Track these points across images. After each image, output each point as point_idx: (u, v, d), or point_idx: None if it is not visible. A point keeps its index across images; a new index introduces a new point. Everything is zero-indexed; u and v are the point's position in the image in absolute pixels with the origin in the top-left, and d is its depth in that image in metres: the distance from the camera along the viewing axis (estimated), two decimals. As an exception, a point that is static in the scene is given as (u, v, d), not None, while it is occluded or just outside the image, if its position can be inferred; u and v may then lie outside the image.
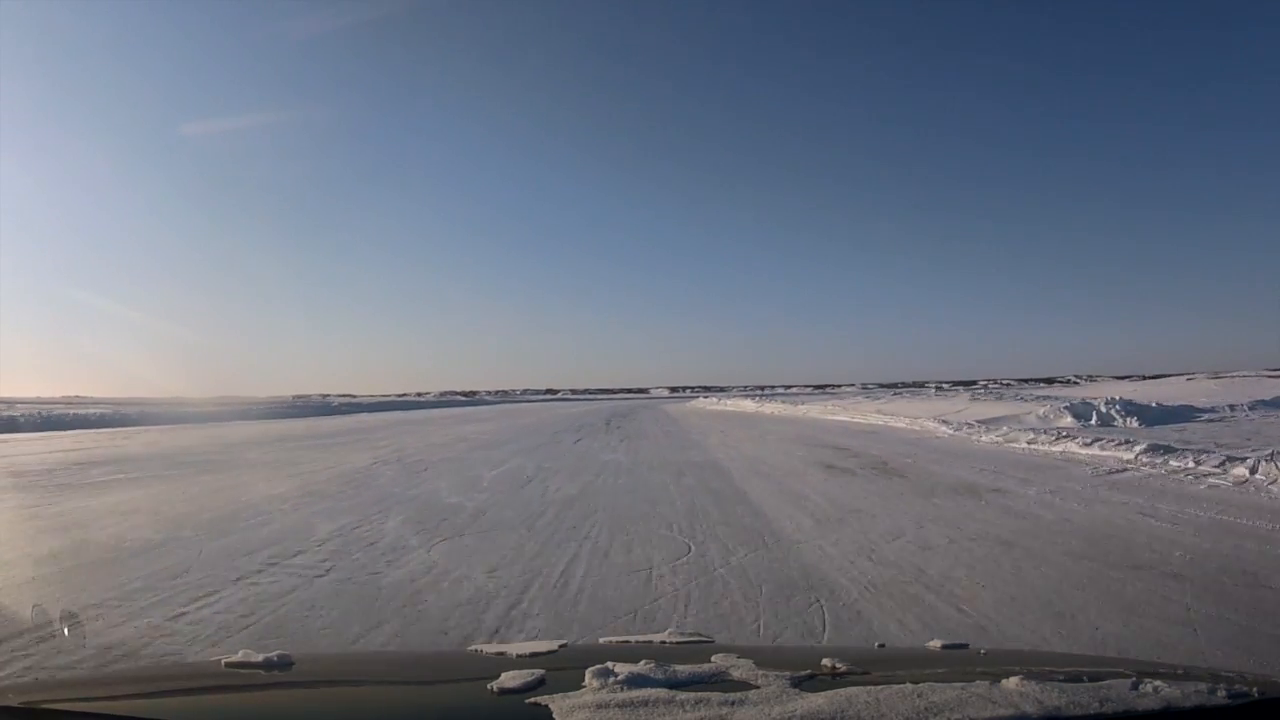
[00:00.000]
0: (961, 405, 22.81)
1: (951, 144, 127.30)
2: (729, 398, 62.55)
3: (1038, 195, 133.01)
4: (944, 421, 18.04)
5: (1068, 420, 18.23)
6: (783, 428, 19.64)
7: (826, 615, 3.41)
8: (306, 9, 78.59)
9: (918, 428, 18.08)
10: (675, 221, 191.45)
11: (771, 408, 36.58)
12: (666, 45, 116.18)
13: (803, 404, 34.50)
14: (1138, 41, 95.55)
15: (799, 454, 11.41)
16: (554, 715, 0.85)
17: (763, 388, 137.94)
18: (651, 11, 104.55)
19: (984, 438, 13.87)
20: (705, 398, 70.22)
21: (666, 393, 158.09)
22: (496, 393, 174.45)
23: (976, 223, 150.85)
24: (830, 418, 25.62)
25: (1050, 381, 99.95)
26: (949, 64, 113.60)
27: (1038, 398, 26.15)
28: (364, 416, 34.26)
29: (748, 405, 41.91)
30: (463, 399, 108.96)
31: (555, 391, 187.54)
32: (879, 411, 24.81)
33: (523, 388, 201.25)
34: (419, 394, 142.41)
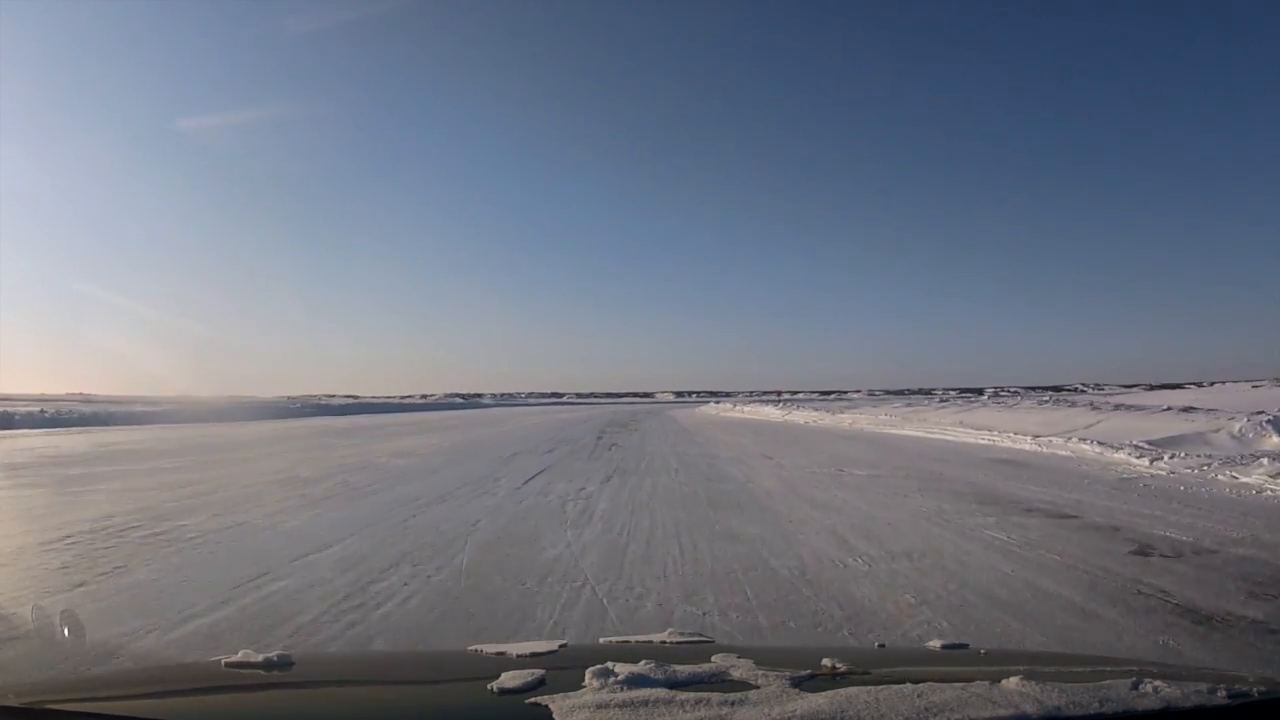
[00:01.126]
0: (1086, 419, 16.61)
1: (958, 148, 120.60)
2: (739, 403, 56.52)
3: (1042, 202, 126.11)
4: (1103, 444, 11.95)
5: (1274, 440, 12.57)
6: (855, 451, 13.35)
7: None
8: (313, 2, 73.43)
9: (1069, 452, 11.94)
10: (682, 225, 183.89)
11: (802, 416, 30.35)
12: (676, 46, 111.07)
13: (845, 413, 28.13)
14: (1158, 44, 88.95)
15: (999, 539, 5.14)
16: (554, 715, 0.83)
17: (777, 393, 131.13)
18: (661, 13, 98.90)
19: (1250, 479, 7.74)
20: (717, 403, 64.04)
21: (672, 397, 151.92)
22: (501, 395, 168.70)
23: (982, 230, 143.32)
24: (898, 432, 19.42)
25: (1058, 389, 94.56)
26: (958, 67, 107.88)
27: (1171, 409, 19.88)
28: (321, 420, 30.56)
29: (770, 413, 35.62)
30: (461, 402, 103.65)
31: (560, 395, 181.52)
32: (962, 424, 18.66)
33: (528, 390, 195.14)
34: (424, 395, 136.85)
